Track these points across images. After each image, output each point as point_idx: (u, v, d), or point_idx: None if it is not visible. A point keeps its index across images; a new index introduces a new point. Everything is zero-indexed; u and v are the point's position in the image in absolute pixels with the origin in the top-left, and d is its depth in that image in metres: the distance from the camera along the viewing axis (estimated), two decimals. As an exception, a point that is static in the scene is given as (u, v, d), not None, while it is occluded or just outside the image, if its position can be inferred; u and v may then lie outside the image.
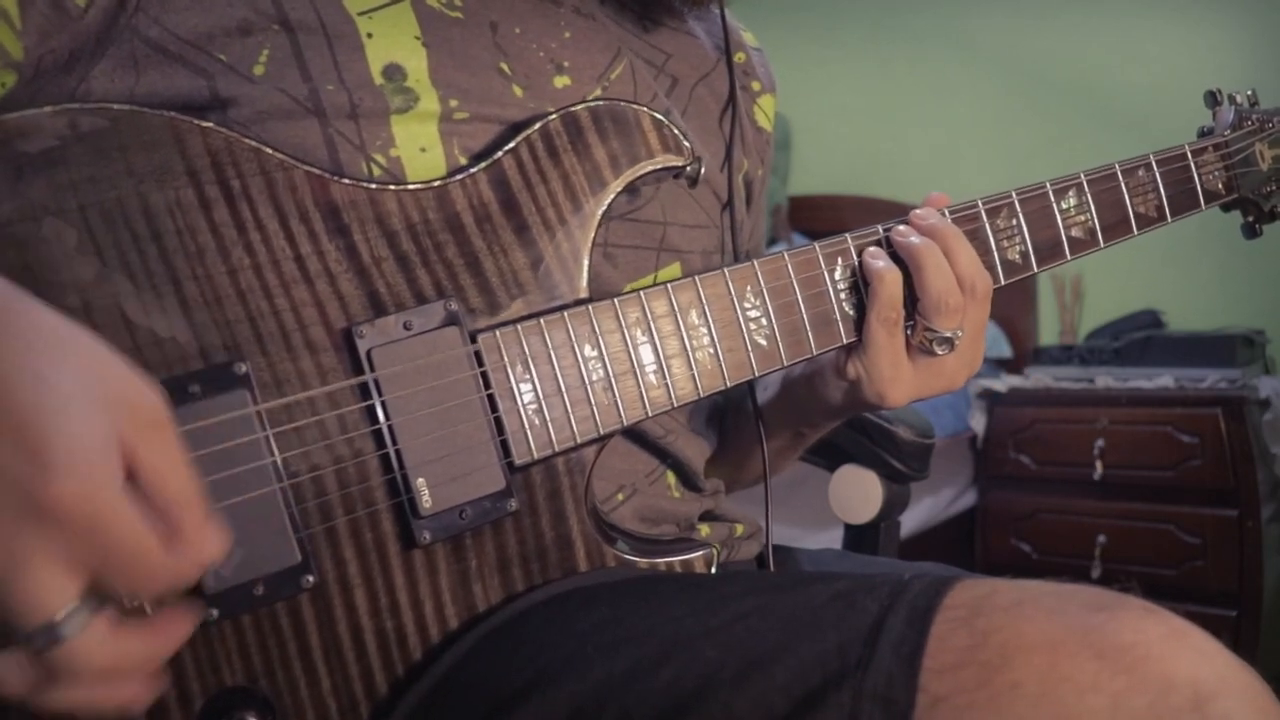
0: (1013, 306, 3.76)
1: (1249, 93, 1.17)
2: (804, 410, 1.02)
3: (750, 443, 1.10)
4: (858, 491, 1.30)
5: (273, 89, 0.76)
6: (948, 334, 0.89)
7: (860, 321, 0.90)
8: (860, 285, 0.90)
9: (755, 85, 1.13)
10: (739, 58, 1.11)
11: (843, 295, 0.89)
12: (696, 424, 1.01)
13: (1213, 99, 1.17)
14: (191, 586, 0.61)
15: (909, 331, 0.90)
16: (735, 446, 1.11)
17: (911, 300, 0.89)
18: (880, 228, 0.91)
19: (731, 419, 1.11)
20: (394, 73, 0.80)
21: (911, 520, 2.96)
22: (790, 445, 1.11)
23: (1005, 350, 3.66)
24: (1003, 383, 3.26)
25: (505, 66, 0.86)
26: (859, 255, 0.89)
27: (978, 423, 3.26)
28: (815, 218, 4.03)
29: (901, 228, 0.90)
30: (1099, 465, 3.00)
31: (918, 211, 0.91)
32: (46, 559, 0.51)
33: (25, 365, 0.52)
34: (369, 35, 0.80)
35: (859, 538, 1.34)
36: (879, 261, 0.88)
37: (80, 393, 0.52)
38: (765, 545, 1.01)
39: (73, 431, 0.51)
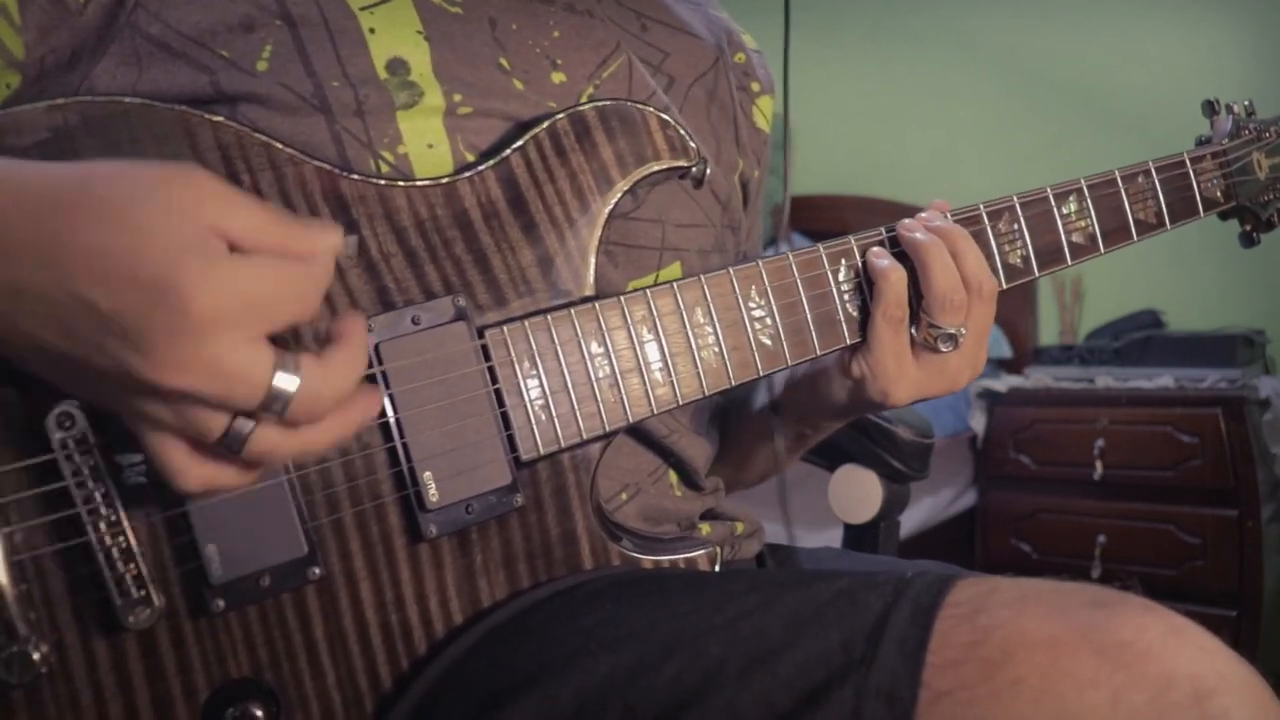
0: (1013, 307, 3.76)
1: (1246, 103, 1.18)
2: (807, 411, 1.02)
3: (752, 442, 1.10)
4: (858, 491, 1.31)
5: (276, 85, 0.76)
6: (952, 331, 0.89)
7: (865, 321, 0.90)
8: (864, 285, 0.90)
9: (754, 86, 1.14)
10: (739, 58, 1.12)
11: (847, 296, 0.89)
12: (699, 423, 1.01)
13: (1210, 108, 1.18)
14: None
15: (913, 329, 0.90)
16: (737, 446, 1.11)
17: (916, 299, 0.90)
18: (884, 229, 0.92)
19: (734, 419, 1.12)
20: (398, 67, 0.80)
21: (911, 520, 2.96)
22: (793, 446, 1.11)
23: (1005, 350, 3.66)
24: (1003, 383, 3.26)
25: (504, 61, 0.86)
26: (863, 255, 0.90)
27: (978, 423, 3.26)
28: (815, 218, 4.02)
29: (908, 221, 0.91)
30: (1099, 465, 3.00)
31: (924, 214, 0.92)
32: (231, 349, 0.54)
33: (109, 222, 0.54)
34: (371, 30, 0.80)
35: (859, 537, 1.34)
36: (883, 260, 0.89)
37: (143, 216, 0.54)
38: (779, 542, 1.01)
39: (181, 250, 0.54)
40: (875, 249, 0.90)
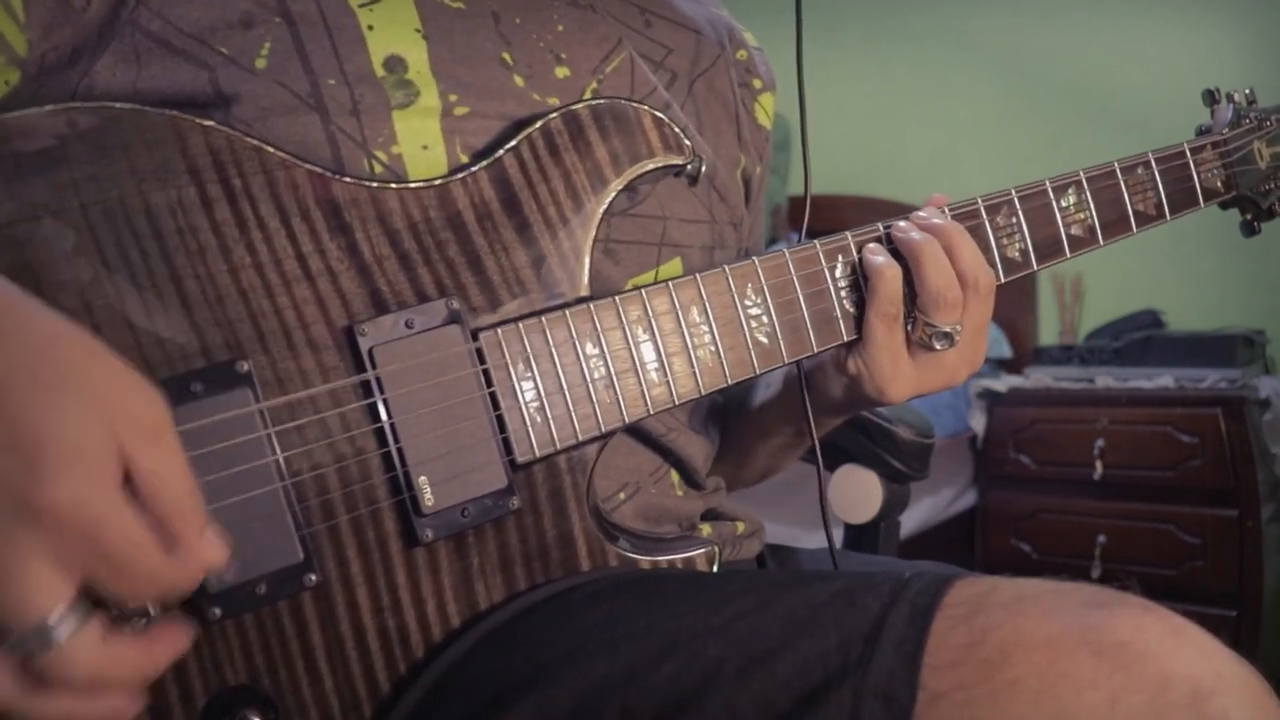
0: (1013, 306, 3.76)
1: (1247, 91, 1.18)
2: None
3: (752, 441, 1.10)
4: (858, 491, 1.31)
5: (274, 83, 0.76)
6: (947, 329, 0.89)
7: (860, 318, 0.90)
8: (860, 282, 0.90)
9: (756, 83, 1.14)
10: (740, 55, 1.12)
11: (844, 293, 0.89)
12: (698, 422, 1.01)
13: (1210, 97, 1.17)
14: (192, 593, 0.61)
15: (909, 327, 0.90)
16: (736, 445, 1.11)
17: (911, 296, 0.90)
18: (881, 225, 0.92)
19: (733, 417, 1.12)
20: (395, 65, 0.80)
21: (911, 520, 2.96)
22: (792, 443, 1.11)
23: (1005, 350, 3.66)
24: (1003, 383, 3.26)
25: (508, 56, 0.86)
26: (859, 252, 0.90)
27: (978, 423, 3.26)
28: (815, 217, 3.99)
29: (902, 223, 0.91)
30: (1099, 465, 3.00)
31: (920, 211, 0.92)
32: (40, 560, 0.51)
33: (21, 368, 0.52)
34: (370, 27, 0.80)
35: (859, 537, 1.34)
36: (879, 257, 0.89)
37: (78, 397, 0.52)
38: (829, 543, 1.01)
39: (69, 435, 0.51)
40: (871, 245, 0.90)
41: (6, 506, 0.50)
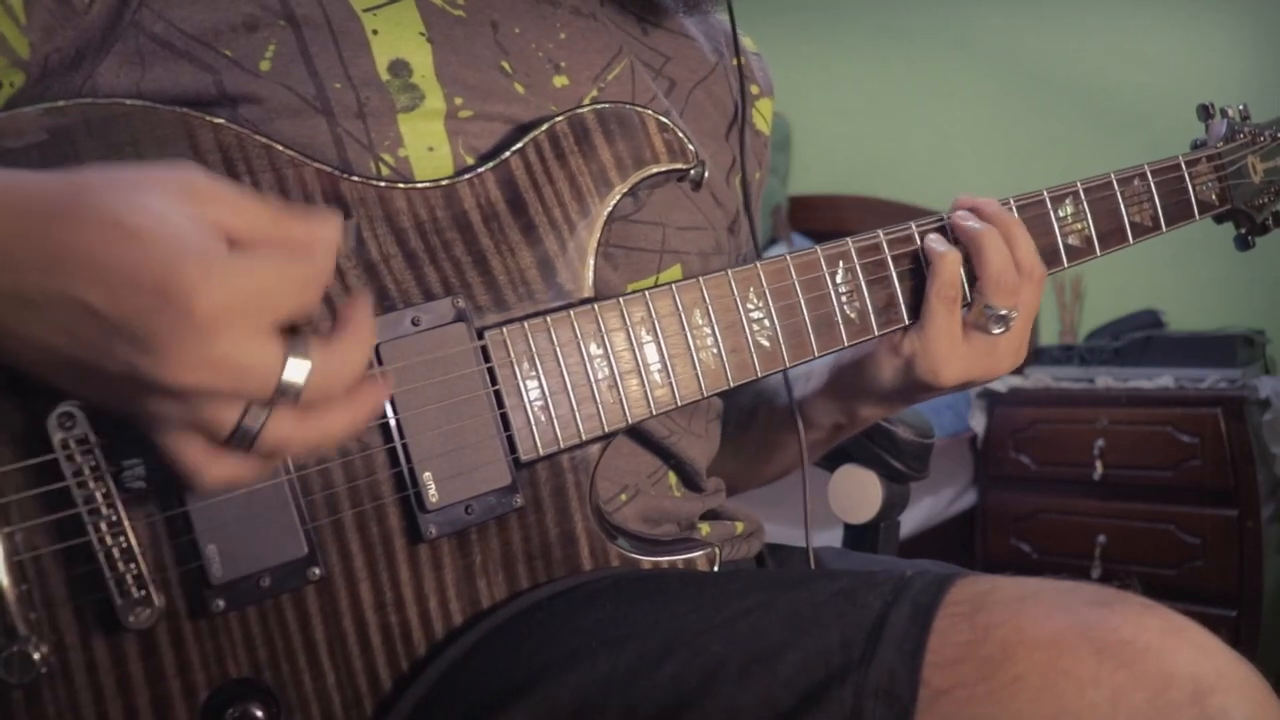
0: (1013, 307, 3.75)
1: (1241, 106, 1.19)
2: (851, 397, 1.03)
3: (780, 434, 1.10)
4: (857, 491, 1.31)
5: (279, 86, 0.76)
6: (1004, 312, 0.92)
7: (916, 305, 0.93)
8: (923, 268, 0.93)
9: (754, 89, 1.14)
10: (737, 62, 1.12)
11: (844, 298, 0.90)
12: (699, 425, 1.01)
13: (1205, 112, 1.18)
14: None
15: (965, 311, 0.93)
16: (764, 440, 1.12)
17: (969, 283, 0.93)
18: (944, 216, 0.95)
19: (764, 413, 1.12)
20: (400, 69, 0.80)
21: (911, 520, 2.96)
22: (827, 438, 1.11)
23: (1005, 350, 3.65)
24: (1003, 383, 3.25)
25: (506, 65, 0.86)
26: (921, 239, 0.93)
27: (978, 423, 3.26)
28: (815, 218, 4.02)
29: (961, 213, 0.94)
30: (1099, 465, 3.00)
31: (981, 201, 0.95)
32: (239, 343, 0.54)
33: (106, 228, 0.54)
34: (374, 32, 0.80)
35: (859, 537, 1.34)
36: (940, 245, 0.92)
37: (140, 215, 0.54)
38: (806, 544, 1.02)
39: (181, 250, 0.54)
40: (933, 235, 0.94)
41: (176, 327, 0.53)
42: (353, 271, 0.74)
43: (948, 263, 0.91)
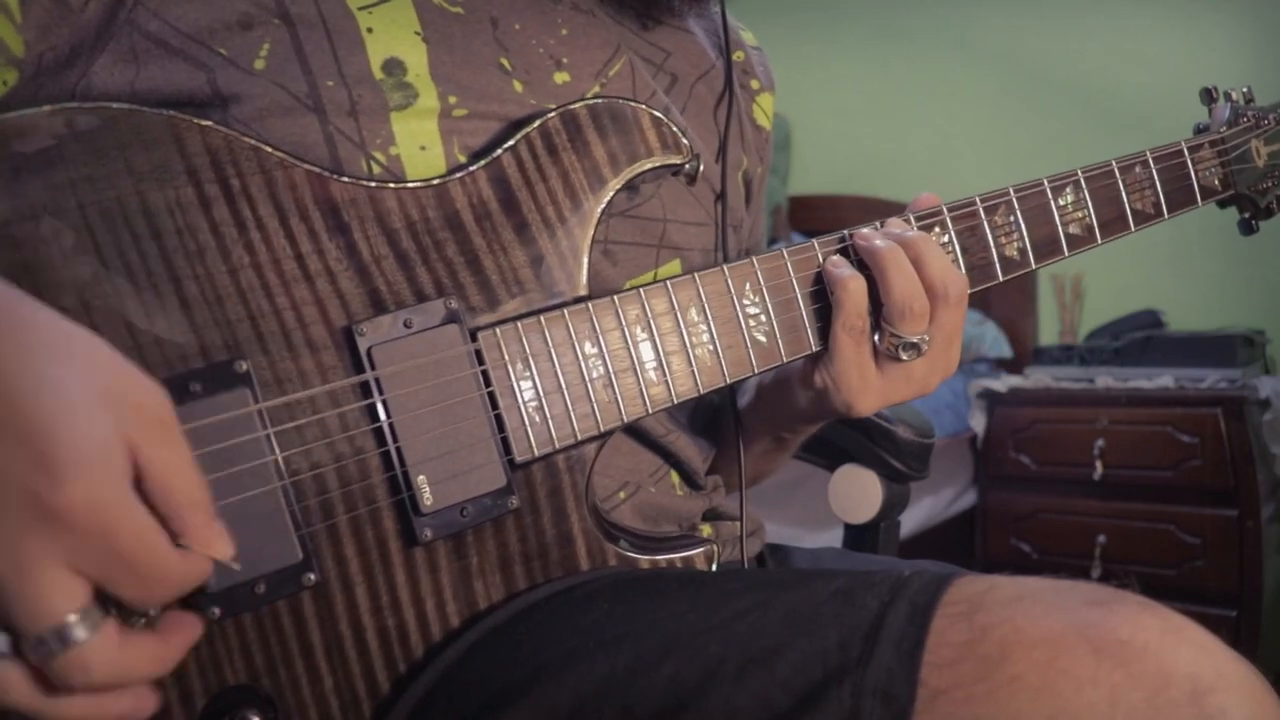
0: (1013, 306, 3.76)
1: (1244, 90, 1.18)
2: (778, 417, 1.02)
3: (733, 445, 1.10)
4: (857, 491, 1.30)
5: (272, 84, 0.76)
6: (914, 340, 0.87)
7: (826, 330, 0.88)
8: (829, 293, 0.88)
9: (754, 84, 1.14)
10: (738, 56, 1.12)
11: (808, 302, 0.88)
12: (698, 424, 1.01)
13: (1209, 96, 1.17)
14: (196, 589, 0.61)
15: (875, 338, 0.88)
16: (724, 450, 1.11)
17: (877, 307, 0.88)
18: (847, 232, 0.90)
19: (719, 422, 1.12)
20: (394, 67, 0.80)
21: (911, 520, 2.96)
22: (774, 448, 1.10)
23: (1005, 350, 3.66)
24: (1003, 383, 3.26)
25: (506, 62, 0.86)
26: (823, 260, 0.88)
27: (978, 423, 3.26)
28: (815, 218, 4.03)
29: (865, 230, 0.89)
30: (1099, 465, 3.00)
31: (888, 225, 0.90)
32: (55, 562, 0.50)
33: (28, 368, 0.51)
34: (369, 30, 0.80)
35: (859, 537, 1.34)
36: (843, 270, 0.87)
37: (85, 394, 0.51)
38: (741, 543, 1.01)
39: (79, 434, 0.50)
40: (835, 258, 0.88)
41: (19, 507, 0.49)
42: (345, 274, 0.73)
43: (850, 291, 0.86)
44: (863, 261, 0.88)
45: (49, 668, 0.52)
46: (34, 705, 0.53)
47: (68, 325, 0.55)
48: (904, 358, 0.88)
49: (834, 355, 0.88)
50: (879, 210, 3.57)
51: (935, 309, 0.87)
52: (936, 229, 0.92)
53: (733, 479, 1.14)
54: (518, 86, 0.86)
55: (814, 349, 0.89)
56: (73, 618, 0.51)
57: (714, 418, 1.07)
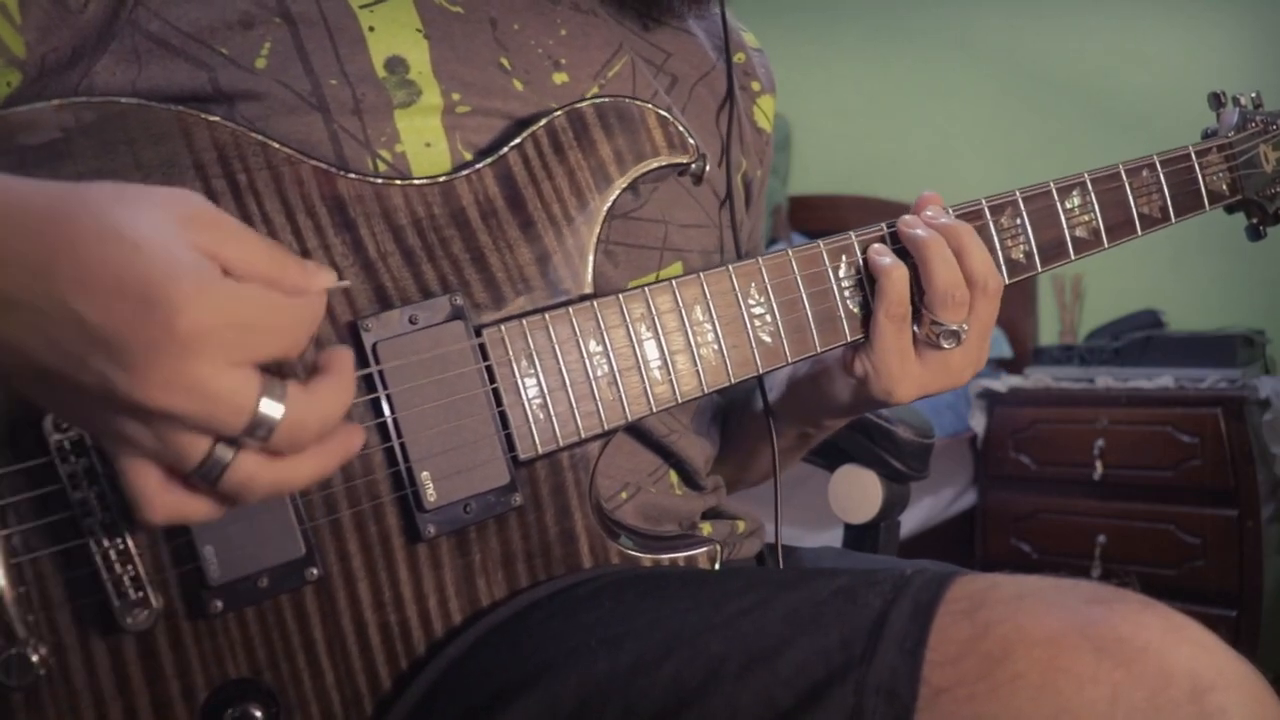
0: (1013, 306, 3.76)
1: (1253, 94, 1.17)
2: (810, 410, 1.02)
3: (755, 442, 1.10)
4: (857, 491, 1.30)
5: (275, 83, 0.76)
6: (954, 328, 0.88)
7: (867, 319, 0.90)
8: (865, 283, 0.90)
9: (755, 85, 1.14)
10: (739, 58, 1.11)
11: (847, 293, 0.89)
12: (700, 424, 1.01)
13: (1216, 100, 1.17)
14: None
15: (915, 327, 0.90)
16: (740, 446, 1.11)
17: (918, 295, 0.89)
18: (884, 225, 0.91)
19: (736, 419, 1.12)
20: (396, 65, 0.80)
21: (911, 520, 2.96)
22: (796, 445, 1.11)
23: (1005, 350, 3.66)
24: (1003, 383, 3.26)
25: (505, 61, 0.86)
26: (864, 253, 0.90)
27: (978, 423, 3.26)
28: (815, 218, 4.03)
29: (908, 218, 0.91)
30: (1099, 465, 3.00)
31: (928, 210, 0.91)
32: (216, 369, 0.53)
33: (80, 227, 0.53)
34: (370, 28, 0.80)
35: (859, 537, 1.34)
36: (885, 258, 0.88)
37: (144, 228, 0.53)
38: (776, 543, 1.01)
39: (166, 262, 0.52)
40: (876, 246, 0.90)
41: (157, 343, 0.52)
42: (351, 270, 0.74)
43: (894, 279, 0.87)
44: (903, 250, 0.89)
45: (270, 448, 0.56)
46: (276, 482, 0.58)
47: (83, 185, 0.56)
48: (945, 346, 0.89)
49: (876, 341, 0.89)
50: (879, 210, 3.56)
51: (974, 299, 0.89)
52: None
53: (735, 480, 1.14)
54: (518, 85, 0.86)
55: (852, 338, 0.90)
56: (264, 401, 0.55)
57: (717, 417, 1.07)
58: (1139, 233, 1.02)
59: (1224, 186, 1.11)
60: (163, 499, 0.56)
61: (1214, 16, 3.44)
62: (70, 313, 0.52)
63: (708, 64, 1.06)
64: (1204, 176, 1.08)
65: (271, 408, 0.55)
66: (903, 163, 4.02)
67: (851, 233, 0.90)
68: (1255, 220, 1.18)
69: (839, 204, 4.08)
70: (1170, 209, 1.05)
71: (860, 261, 0.90)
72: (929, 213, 0.91)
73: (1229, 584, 2.82)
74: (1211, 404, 2.87)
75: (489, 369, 0.76)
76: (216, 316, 0.53)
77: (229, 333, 0.53)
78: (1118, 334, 3.33)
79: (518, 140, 0.80)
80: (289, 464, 0.58)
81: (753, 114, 1.13)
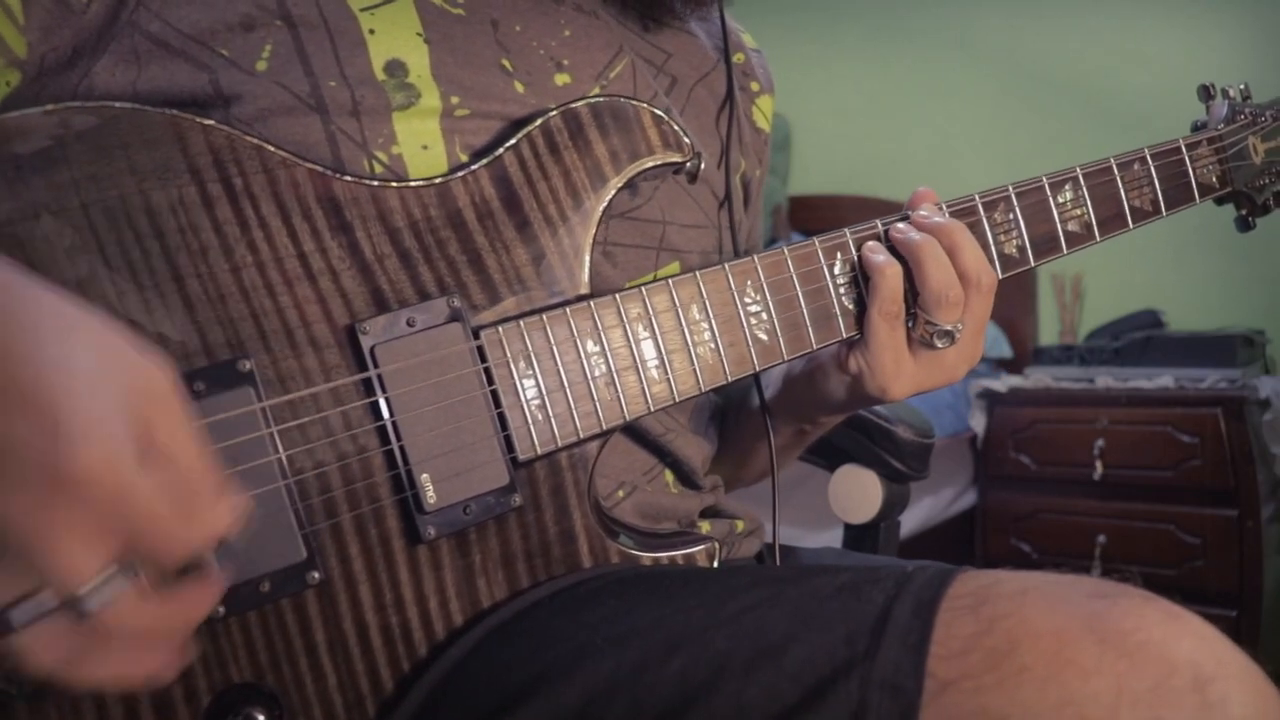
0: (1013, 306, 3.76)
1: (1242, 86, 1.18)
2: (805, 407, 1.03)
3: (753, 440, 1.10)
4: (857, 491, 1.30)
5: (274, 85, 0.76)
6: (948, 327, 0.89)
7: (861, 316, 0.90)
8: (860, 280, 0.90)
9: (754, 86, 1.14)
10: (738, 58, 1.12)
11: (843, 290, 0.89)
12: (697, 423, 1.01)
13: (1206, 93, 1.17)
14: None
15: (910, 325, 0.90)
16: (737, 445, 1.11)
17: (912, 294, 0.90)
18: (879, 222, 0.91)
19: (734, 417, 1.12)
20: (396, 69, 0.80)
21: (911, 520, 2.96)
22: (792, 443, 1.11)
23: (1005, 350, 3.66)
24: (1003, 383, 3.26)
25: (507, 63, 0.86)
26: (858, 250, 0.90)
27: (978, 423, 3.26)
28: (815, 218, 4.03)
29: (900, 224, 0.91)
30: (1099, 465, 3.00)
31: (920, 210, 0.91)
32: (73, 529, 0.50)
33: (35, 344, 0.51)
34: (371, 31, 0.80)
35: (859, 537, 1.34)
36: (879, 256, 0.89)
37: (91, 368, 0.52)
38: (773, 541, 1.02)
39: (88, 404, 0.50)
40: (871, 244, 0.90)
41: (36, 477, 0.50)
42: (348, 273, 0.74)
43: (887, 278, 0.88)
44: (896, 250, 0.90)
45: (76, 631, 0.52)
46: (64, 668, 0.54)
47: (71, 303, 0.55)
48: (939, 345, 0.90)
49: (870, 339, 0.89)
50: (879, 210, 3.58)
51: (968, 296, 0.90)
52: None
53: (733, 479, 1.14)
54: (519, 87, 0.86)
55: (847, 335, 0.90)
56: (94, 582, 0.51)
57: (714, 416, 1.07)
58: (1131, 226, 1.03)
59: (1214, 179, 1.11)
60: None
61: (1214, 16, 3.44)
62: None
63: (708, 64, 1.06)
64: (1194, 169, 1.09)
65: (100, 596, 0.52)
66: (903, 163, 4.03)
67: (846, 230, 0.90)
68: (1244, 212, 1.19)
69: (839, 204, 4.09)
70: (1161, 202, 1.05)
71: (855, 259, 0.90)
72: (922, 212, 0.91)
73: (1229, 584, 2.82)
74: (1211, 404, 2.87)
75: (487, 370, 0.76)
76: (106, 479, 0.50)
77: (108, 503, 0.51)
78: (1118, 334, 3.34)
79: (513, 141, 0.80)
80: (86, 658, 0.54)
81: (751, 114, 1.13)
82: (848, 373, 0.92)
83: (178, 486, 0.53)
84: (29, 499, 0.50)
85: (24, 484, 0.50)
